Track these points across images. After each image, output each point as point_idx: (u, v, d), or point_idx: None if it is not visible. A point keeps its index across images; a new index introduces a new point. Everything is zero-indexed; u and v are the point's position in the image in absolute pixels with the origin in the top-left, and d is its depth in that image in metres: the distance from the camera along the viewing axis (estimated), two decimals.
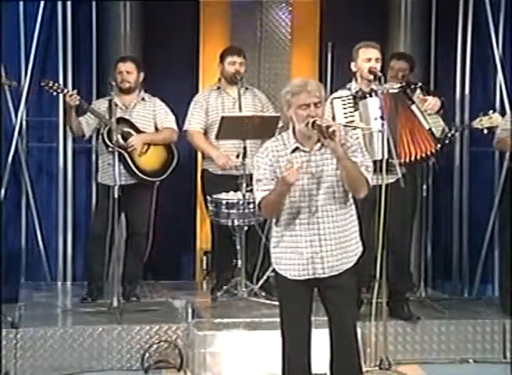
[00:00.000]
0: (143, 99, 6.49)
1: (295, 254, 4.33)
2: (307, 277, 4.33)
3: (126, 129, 6.32)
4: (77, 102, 6.15)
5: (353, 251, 4.38)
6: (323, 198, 4.28)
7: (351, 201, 4.38)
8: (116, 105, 6.27)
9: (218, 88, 6.64)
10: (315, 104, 4.23)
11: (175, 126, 6.54)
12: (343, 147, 4.23)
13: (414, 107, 5.69)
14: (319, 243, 4.29)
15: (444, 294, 7.04)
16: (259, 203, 4.33)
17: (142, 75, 6.50)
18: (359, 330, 5.54)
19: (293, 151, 4.30)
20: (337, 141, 4.14)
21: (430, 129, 5.67)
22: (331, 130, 4.12)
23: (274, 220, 4.42)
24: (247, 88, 6.67)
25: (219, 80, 6.67)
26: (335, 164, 4.26)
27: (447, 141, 5.73)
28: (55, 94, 6.21)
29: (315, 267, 4.31)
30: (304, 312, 4.40)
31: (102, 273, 6.51)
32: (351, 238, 4.38)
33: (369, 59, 5.66)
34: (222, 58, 6.59)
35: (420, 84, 5.81)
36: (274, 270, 4.49)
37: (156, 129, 6.51)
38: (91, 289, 6.44)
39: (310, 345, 4.44)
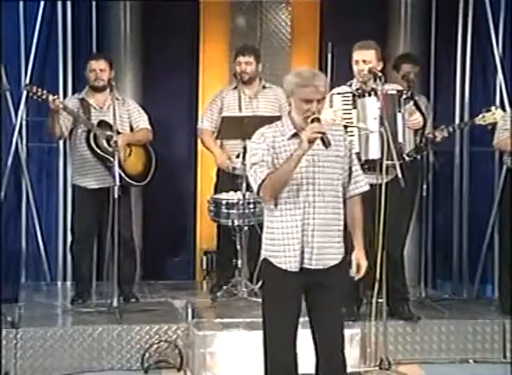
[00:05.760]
0: (117, 99, 6.24)
1: (287, 245, 4.22)
2: (297, 269, 4.20)
3: (109, 132, 6.09)
4: (61, 106, 6.02)
5: (338, 249, 4.28)
6: (320, 188, 4.21)
7: (341, 199, 4.29)
8: (90, 104, 6.23)
9: (236, 87, 6.60)
10: (318, 100, 4.18)
11: (149, 126, 6.43)
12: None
13: (399, 116, 5.63)
14: (312, 233, 4.19)
15: (444, 294, 7.04)
16: (260, 184, 4.17)
17: (113, 73, 6.35)
18: (359, 330, 5.60)
19: (291, 137, 4.22)
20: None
21: (400, 143, 5.60)
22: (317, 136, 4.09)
23: (269, 207, 4.26)
24: (264, 87, 6.66)
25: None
26: (334, 154, 4.22)
27: (408, 159, 5.70)
28: (39, 100, 6.06)
29: (304, 257, 4.20)
30: (294, 311, 4.26)
31: (90, 275, 6.47)
32: (339, 236, 4.28)
33: (357, 62, 5.66)
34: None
35: (416, 99, 5.79)
36: (263, 260, 4.31)
37: (131, 129, 6.39)
38: (80, 291, 6.40)
39: (296, 345, 4.29)
